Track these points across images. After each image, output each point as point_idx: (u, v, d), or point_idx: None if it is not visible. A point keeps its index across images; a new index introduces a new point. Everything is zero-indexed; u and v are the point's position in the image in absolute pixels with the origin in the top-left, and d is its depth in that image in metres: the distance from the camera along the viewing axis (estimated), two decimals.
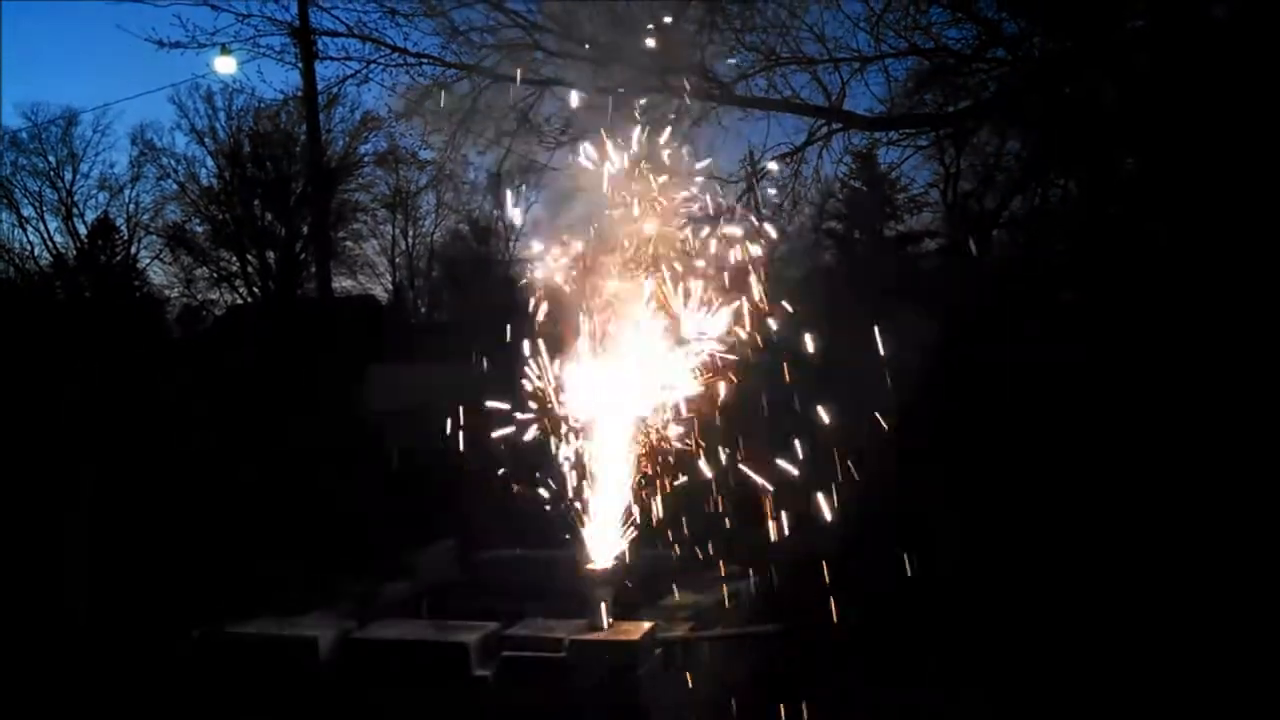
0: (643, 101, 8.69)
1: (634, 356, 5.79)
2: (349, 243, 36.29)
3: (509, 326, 6.30)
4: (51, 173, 36.24)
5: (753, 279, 5.93)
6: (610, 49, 12.01)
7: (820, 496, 5.80)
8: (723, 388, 5.85)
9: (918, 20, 11.50)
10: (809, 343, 5.94)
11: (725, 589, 6.40)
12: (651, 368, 5.80)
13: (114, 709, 6.10)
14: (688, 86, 11.41)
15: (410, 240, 38.43)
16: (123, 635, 6.99)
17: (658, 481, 5.92)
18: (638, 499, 5.91)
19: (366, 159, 35.57)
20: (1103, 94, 11.10)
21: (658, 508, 5.96)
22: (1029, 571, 7.16)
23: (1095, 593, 6.84)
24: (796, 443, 5.87)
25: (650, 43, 10.60)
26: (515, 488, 6.04)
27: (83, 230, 36.75)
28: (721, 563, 6.62)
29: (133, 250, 37.51)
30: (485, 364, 6.72)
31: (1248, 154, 9.40)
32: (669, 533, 6.37)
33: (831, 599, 5.66)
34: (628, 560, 5.86)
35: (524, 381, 5.98)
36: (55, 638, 7.19)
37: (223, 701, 5.65)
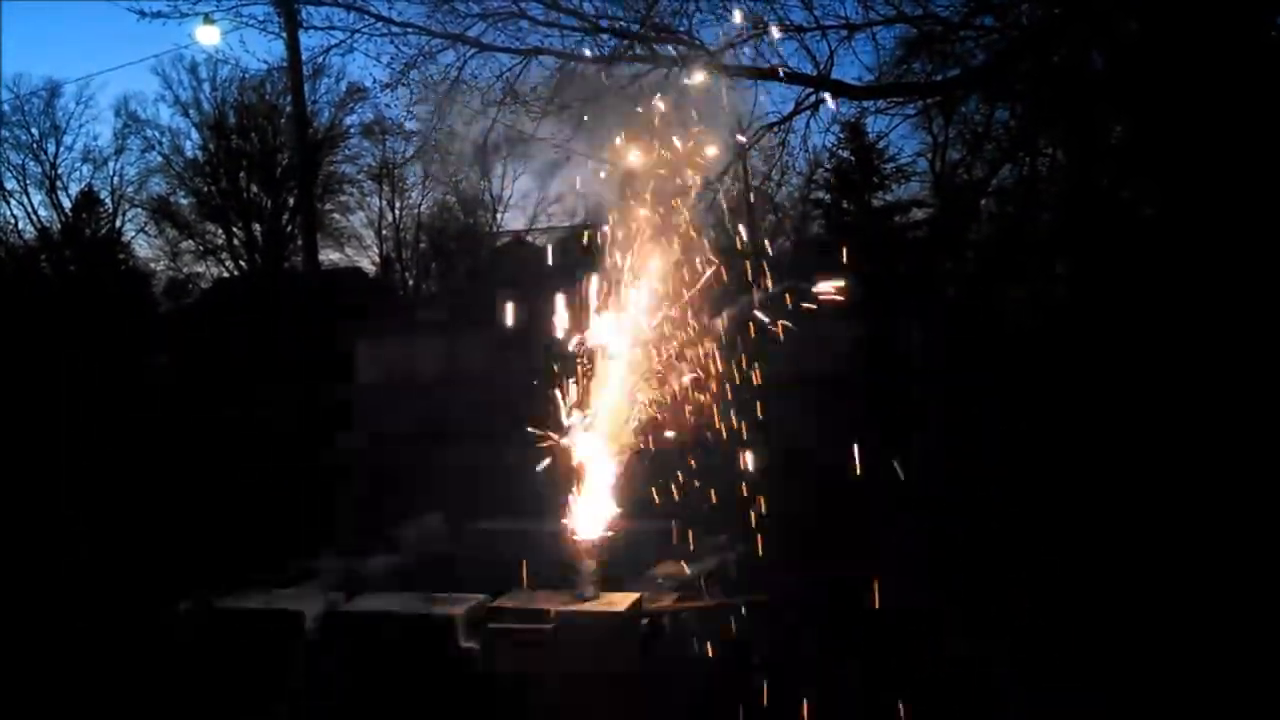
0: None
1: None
2: (336, 215, 36.11)
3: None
4: (34, 145, 35.91)
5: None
6: (597, 17, 11.92)
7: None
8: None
9: None
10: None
11: (711, 560, 6.43)
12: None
13: (101, 682, 6.10)
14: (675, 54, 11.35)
15: (397, 212, 38.24)
16: (110, 610, 6.98)
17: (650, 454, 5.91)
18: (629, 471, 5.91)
19: (352, 130, 35.36)
20: (1091, 60, 11.06)
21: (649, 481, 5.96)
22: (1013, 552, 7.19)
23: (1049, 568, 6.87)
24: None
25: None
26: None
27: (67, 203, 36.47)
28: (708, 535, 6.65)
29: (118, 223, 37.28)
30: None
31: (1238, 119, 9.37)
32: (657, 505, 6.38)
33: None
34: (615, 532, 5.86)
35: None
36: (45, 613, 7.18)
37: (209, 675, 5.65)
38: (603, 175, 6.46)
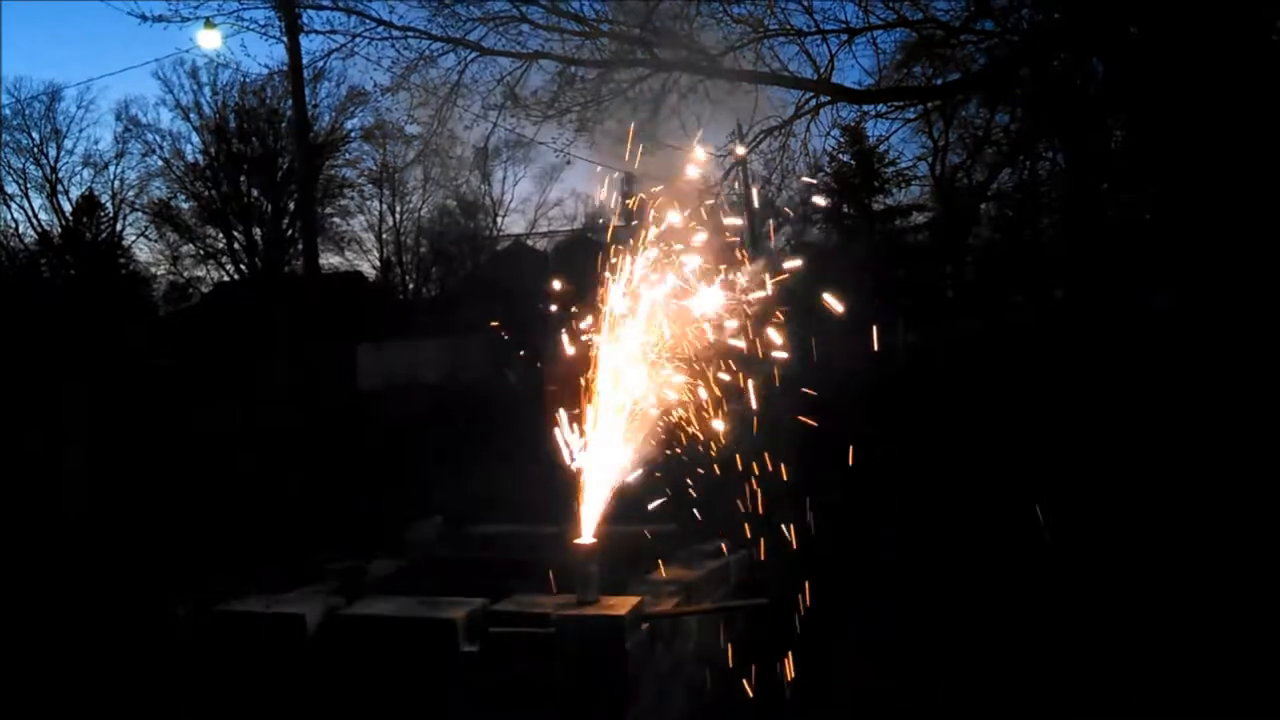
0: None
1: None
2: (336, 219, 36.16)
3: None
4: (35, 149, 35.95)
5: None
6: (598, 21, 11.95)
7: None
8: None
9: None
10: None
11: (712, 564, 6.43)
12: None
13: (101, 684, 6.10)
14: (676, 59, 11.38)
15: (398, 216, 38.29)
16: (111, 613, 6.99)
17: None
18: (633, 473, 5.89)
19: (353, 134, 35.42)
20: (1091, 66, 11.09)
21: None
22: (1009, 553, 7.19)
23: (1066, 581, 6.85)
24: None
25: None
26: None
27: (68, 207, 36.52)
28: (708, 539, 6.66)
29: (118, 227, 37.30)
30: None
31: (1238, 123, 9.38)
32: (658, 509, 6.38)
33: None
34: (615, 536, 5.86)
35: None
36: (46, 614, 7.19)
37: (210, 678, 5.65)
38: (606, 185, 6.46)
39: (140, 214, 37.48)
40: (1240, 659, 5.69)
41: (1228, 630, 5.99)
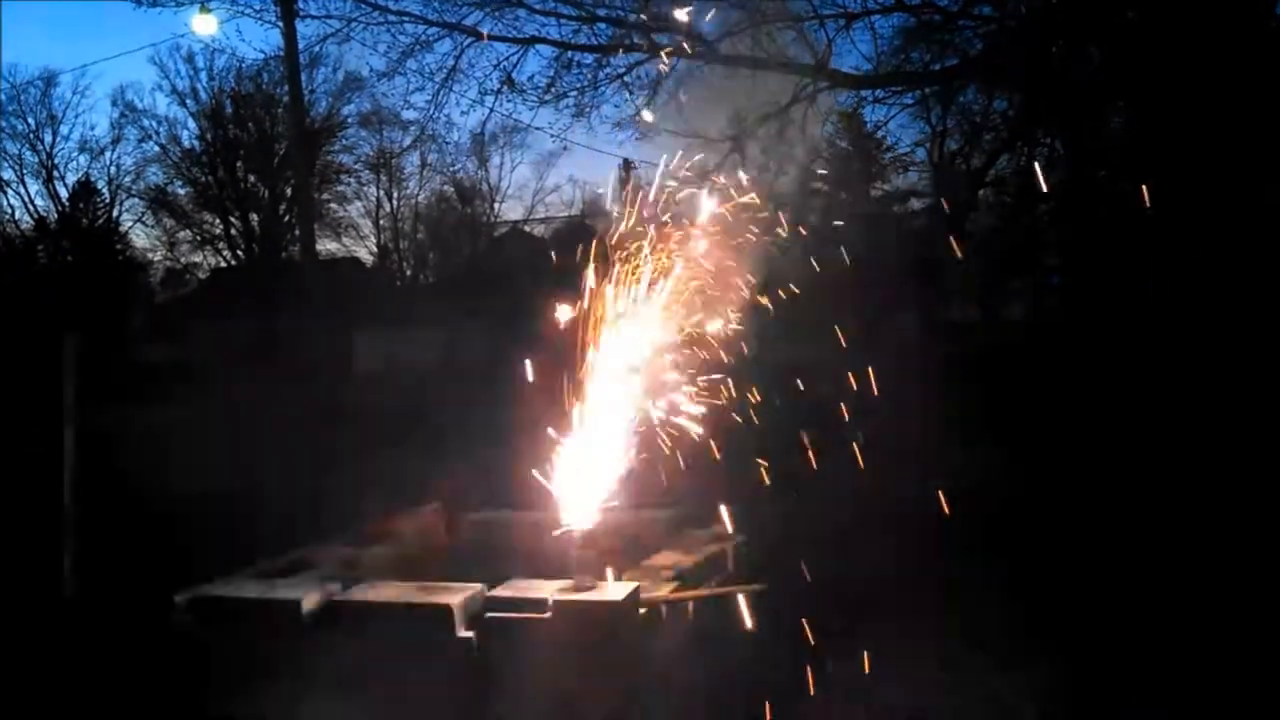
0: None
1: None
2: (333, 205, 36.13)
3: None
4: (31, 135, 35.93)
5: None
6: (594, 6, 11.92)
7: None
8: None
9: None
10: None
11: (711, 549, 6.43)
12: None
13: (97, 671, 6.11)
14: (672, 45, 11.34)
15: (394, 202, 38.24)
16: (106, 599, 6.99)
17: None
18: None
19: (349, 120, 35.35)
20: (1088, 51, 11.06)
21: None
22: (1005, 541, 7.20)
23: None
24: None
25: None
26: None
27: (64, 193, 36.45)
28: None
29: (115, 213, 37.26)
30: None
31: (1238, 109, 9.36)
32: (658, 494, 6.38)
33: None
34: (613, 521, 5.85)
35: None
36: (42, 603, 7.19)
37: (206, 663, 5.65)
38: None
39: (137, 200, 37.50)
40: (1238, 650, 5.70)
41: (1227, 621, 6.00)
